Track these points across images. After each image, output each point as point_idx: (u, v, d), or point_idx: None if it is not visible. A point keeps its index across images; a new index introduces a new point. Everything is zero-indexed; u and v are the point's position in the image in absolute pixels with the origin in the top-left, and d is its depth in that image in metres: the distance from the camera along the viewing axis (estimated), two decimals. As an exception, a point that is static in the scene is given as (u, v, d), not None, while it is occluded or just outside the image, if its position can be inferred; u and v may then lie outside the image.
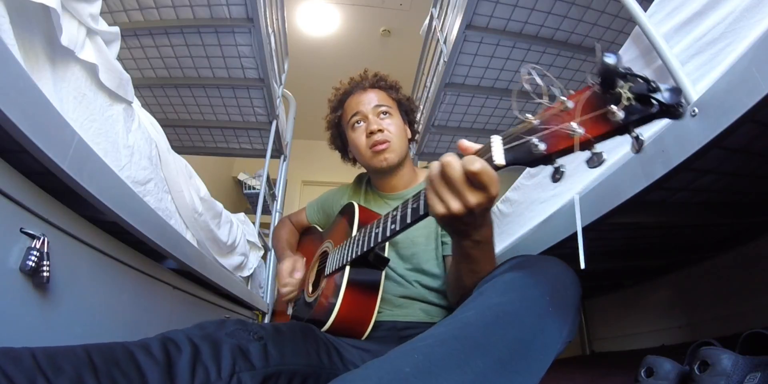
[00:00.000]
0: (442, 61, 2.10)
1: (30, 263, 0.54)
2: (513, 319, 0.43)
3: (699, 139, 0.64)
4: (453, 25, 1.90)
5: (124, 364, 0.45)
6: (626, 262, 1.43)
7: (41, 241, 0.56)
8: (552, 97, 0.41)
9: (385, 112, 0.95)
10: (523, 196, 1.28)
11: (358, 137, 0.94)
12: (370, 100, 0.95)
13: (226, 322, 0.60)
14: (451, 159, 0.47)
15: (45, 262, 0.56)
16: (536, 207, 1.22)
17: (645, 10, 0.82)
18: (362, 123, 0.94)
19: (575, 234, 0.99)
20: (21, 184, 0.54)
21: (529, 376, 0.41)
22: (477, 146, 0.50)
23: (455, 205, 0.47)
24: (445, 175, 0.47)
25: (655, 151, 0.71)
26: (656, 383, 0.81)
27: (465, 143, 0.50)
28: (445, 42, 2.06)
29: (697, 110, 0.64)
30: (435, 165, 0.49)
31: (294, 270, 0.91)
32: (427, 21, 2.42)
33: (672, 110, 0.34)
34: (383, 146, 0.91)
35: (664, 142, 0.70)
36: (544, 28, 1.84)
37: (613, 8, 1.73)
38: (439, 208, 0.49)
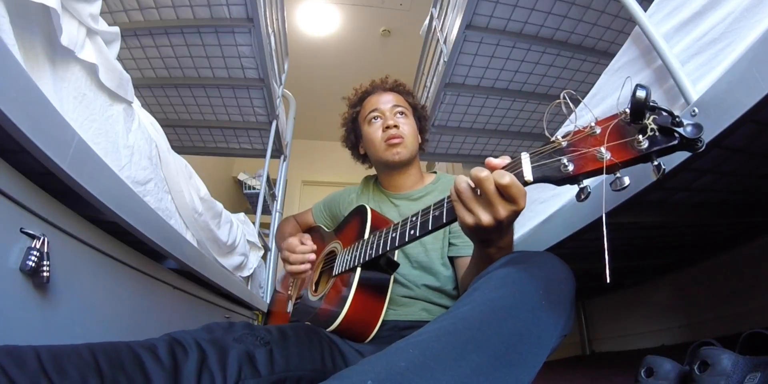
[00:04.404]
0: (442, 61, 2.10)
1: (30, 263, 0.54)
2: (507, 314, 0.44)
3: (699, 139, 0.64)
4: (453, 25, 1.90)
5: (129, 367, 0.45)
6: (626, 262, 1.43)
7: (41, 241, 0.56)
8: (567, 107, 0.45)
9: (401, 113, 0.99)
10: (523, 196, 1.28)
11: (374, 131, 0.98)
12: (389, 100, 1.00)
13: (234, 325, 0.60)
14: (487, 173, 0.48)
15: (45, 262, 0.56)
16: (536, 207, 1.22)
17: (645, 10, 0.82)
18: (379, 119, 0.98)
19: (575, 234, 0.99)
20: (21, 184, 0.54)
21: (525, 369, 0.41)
22: (505, 162, 0.51)
23: (485, 218, 0.49)
24: (482, 188, 0.48)
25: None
26: (656, 383, 0.81)
27: (493, 161, 0.51)
28: (445, 42, 2.06)
29: (697, 110, 0.64)
30: (463, 179, 0.50)
31: (303, 241, 0.88)
32: (427, 21, 2.42)
33: (692, 144, 0.38)
34: (397, 140, 0.94)
35: (664, 142, 0.70)
36: (544, 28, 1.85)
37: (613, 8, 1.73)
38: (469, 220, 0.50)
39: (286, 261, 0.89)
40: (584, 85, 2.08)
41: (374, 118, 0.98)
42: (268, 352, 0.57)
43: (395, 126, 0.95)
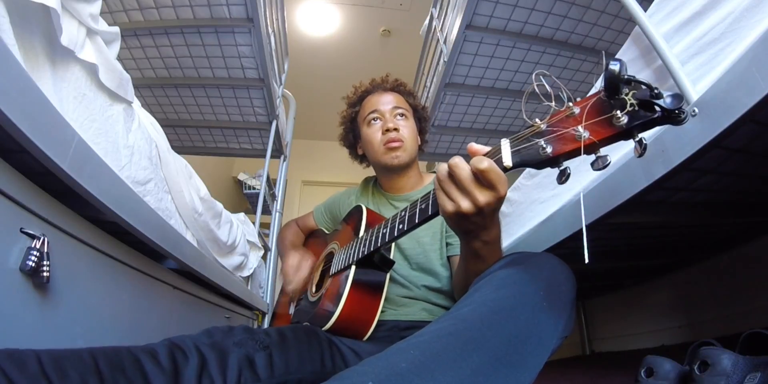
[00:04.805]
0: (442, 61, 2.10)
1: (30, 263, 0.54)
2: (508, 315, 0.43)
3: (699, 139, 0.64)
4: (453, 25, 1.90)
5: (130, 371, 0.45)
6: (626, 262, 1.43)
7: (41, 241, 0.56)
8: (558, 99, 0.43)
9: (401, 115, 0.98)
10: (523, 196, 1.28)
11: (374, 133, 0.96)
12: (389, 101, 0.98)
13: (234, 329, 0.60)
14: (458, 160, 0.48)
15: (45, 262, 0.56)
16: (536, 207, 1.22)
17: (645, 10, 0.82)
18: (379, 121, 0.97)
19: (575, 234, 0.99)
20: (21, 184, 0.54)
21: (525, 370, 0.41)
22: (486, 149, 0.51)
23: (465, 204, 0.48)
24: (453, 175, 0.48)
25: (655, 151, 0.71)
26: (656, 383, 0.81)
27: (474, 146, 0.51)
28: (445, 42, 2.06)
29: (697, 110, 0.64)
30: (443, 166, 0.50)
31: (299, 267, 0.91)
32: (427, 21, 2.42)
33: (673, 116, 0.36)
34: (397, 144, 0.93)
35: (664, 142, 0.70)
36: (544, 28, 1.84)
37: (613, 8, 1.73)
38: (449, 207, 0.50)
39: (284, 281, 0.92)
40: (584, 85, 2.08)
41: (374, 119, 0.97)
42: (267, 356, 0.57)
43: (395, 129, 0.93)
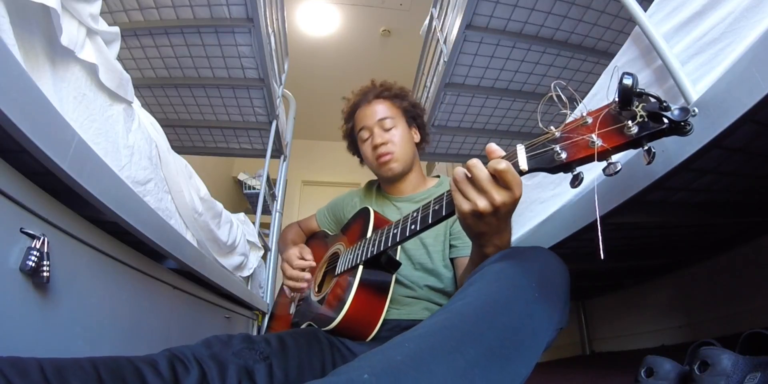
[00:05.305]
0: (442, 61, 2.10)
1: (30, 263, 0.54)
2: (502, 307, 0.44)
3: (699, 139, 0.64)
4: (453, 25, 1.90)
5: (131, 380, 0.45)
6: (626, 262, 1.43)
7: (41, 241, 0.56)
8: (571, 103, 0.47)
9: (389, 125, 1.00)
10: (523, 196, 1.28)
11: (366, 149, 1.01)
12: (374, 112, 1.00)
13: (233, 338, 0.60)
14: (476, 161, 0.51)
15: (45, 262, 0.56)
16: (536, 207, 1.22)
17: (645, 10, 0.82)
18: (369, 137, 1.00)
19: (575, 234, 0.99)
20: (21, 184, 0.54)
21: (521, 362, 0.42)
22: (502, 152, 0.53)
23: (482, 203, 0.50)
24: (471, 174, 0.50)
25: (656, 151, 0.71)
26: (656, 383, 0.81)
27: (493, 147, 0.53)
28: (445, 42, 2.06)
29: (697, 110, 0.64)
30: (459, 168, 0.52)
31: (302, 254, 0.92)
32: (427, 21, 2.42)
33: (680, 127, 0.40)
34: (387, 157, 0.96)
35: (664, 142, 0.70)
36: (544, 28, 1.84)
37: (613, 8, 1.73)
38: (465, 206, 0.51)
39: (284, 273, 0.91)
40: (584, 85, 2.08)
41: (364, 135, 1.00)
42: (267, 367, 0.57)
43: (383, 143, 0.96)
